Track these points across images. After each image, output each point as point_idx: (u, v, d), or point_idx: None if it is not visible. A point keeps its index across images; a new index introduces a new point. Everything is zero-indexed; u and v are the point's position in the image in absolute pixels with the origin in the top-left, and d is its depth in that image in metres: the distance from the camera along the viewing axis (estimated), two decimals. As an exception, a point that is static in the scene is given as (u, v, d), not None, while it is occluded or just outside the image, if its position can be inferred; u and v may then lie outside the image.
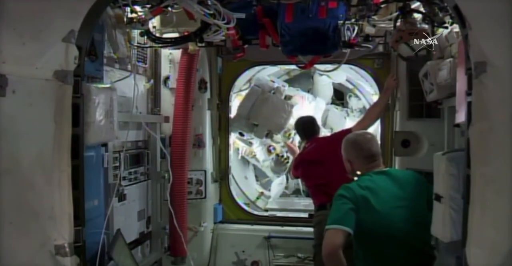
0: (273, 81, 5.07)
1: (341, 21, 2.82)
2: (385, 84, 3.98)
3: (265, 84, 4.93)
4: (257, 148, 5.45)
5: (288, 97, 5.14)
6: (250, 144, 5.48)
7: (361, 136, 2.76)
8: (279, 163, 5.31)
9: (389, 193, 2.51)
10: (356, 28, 2.96)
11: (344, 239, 2.34)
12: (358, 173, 2.68)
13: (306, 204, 5.23)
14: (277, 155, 5.30)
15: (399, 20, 2.81)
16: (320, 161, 3.84)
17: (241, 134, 5.19)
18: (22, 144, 2.00)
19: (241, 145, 5.56)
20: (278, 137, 5.24)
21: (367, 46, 3.06)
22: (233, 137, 5.18)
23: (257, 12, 2.93)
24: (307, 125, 4.29)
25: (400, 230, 2.46)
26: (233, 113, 4.89)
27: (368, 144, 2.67)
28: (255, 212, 4.87)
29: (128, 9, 2.80)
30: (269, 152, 5.41)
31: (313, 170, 3.91)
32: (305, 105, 5.48)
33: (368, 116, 4.02)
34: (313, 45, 2.93)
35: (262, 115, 4.80)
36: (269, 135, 4.98)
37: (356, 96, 5.89)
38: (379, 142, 3.37)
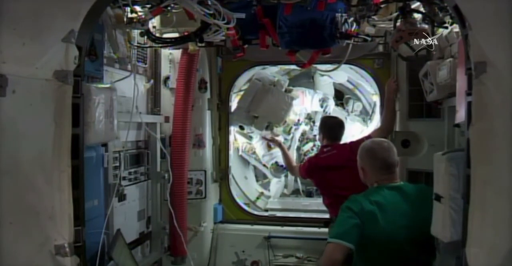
0: (274, 77, 5.07)
1: (339, 14, 2.82)
2: (386, 87, 3.97)
3: (266, 77, 4.93)
4: (257, 143, 5.45)
5: (289, 91, 5.13)
6: (250, 138, 5.47)
7: (378, 144, 2.65)
8: (279, 170, 5.31)
9: (398, 211, 2.46)
10: (355, 24, 2.96)
11: (345, 255, 2.34)
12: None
13: (306, 204, 5.22)
14: (277, 164, 5.27)
15: (399, 20, 2.81)
16: (340, 170, 3.71)
17: (241, 128, 5.19)
18: (22, 144, 2.00)
19: (241, 142, 5.55)
20: (279, 129, 5.23)
21: (365, 37, 3.05)
22: (233, 134, 5.16)
23: (257, 12, 2.93)
24: (334, 127, 4.10)
25: (404, 250, 2.43)
26: (233, 112, 4.89)
27: (384, 153, 2.58)
28: (255, 212, 4.86)
29: (128, 9, 2.80)
30: (269, 147, 5.40)
31: (331, 178, 3.78)
32: (306, 100, 5.48)
33: (384, 123, 3.94)
34: (310, 37, 2.91)
35: (263, 108, 4.77)
36: (269, 127, 4.96)
37: (356, 97, 5.89)
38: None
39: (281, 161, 5.13)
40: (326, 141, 4.07)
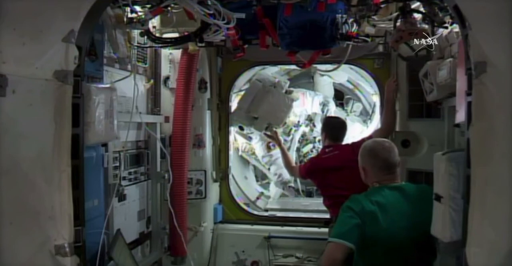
0: (275, 77, 5.08)
1: (339, 15, 2.82)
2: (386, 86, 3.96)
3: (266, 78, 4.93)
4: (257, 144, 5.45)
5: (289, 92, 5.13)
6: (249, 138, 5.47)
7: (379, 144, 2.65)
8: (284, 183, 5.32)
9: (399, 211, 2.46)
10: (355, 24, 2.96)
11: (345, 254, 2.34)
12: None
13: (306, 204, 5.22)
14: (288, 183, 5.30)
15: (399, 20, 2.81)
16: (341, 171, 3.70)
17: (241, 128, 5.18)
18: (22, 144, 2.00)
19: (240, 142, 5.55)
20: (279, 131, 5.23)
21: (365, 39, 3.06)
22: (233, 134, 5.16)
23: (257, 12, 2.93)
24: (336, 127, 4.09)
25: (404, 250, 2.43)
26: (233, 112, 4.88)
27: (386, 154, 2.58)
28: (255, 212, 4.87)
29: (128, 9, 2.80)
30: (268, 148, 5.40)
31: (333, 179, 3.77)
32: (306, 101, 5.47)
33: (384, 123, 3.93)
34: (310, 38, 2.90)
35: (263, 109, 4.75)
36: (268, 128, 4.96)
37: (356, 97, 5.89)
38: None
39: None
40: (328, 141, 4.06)
